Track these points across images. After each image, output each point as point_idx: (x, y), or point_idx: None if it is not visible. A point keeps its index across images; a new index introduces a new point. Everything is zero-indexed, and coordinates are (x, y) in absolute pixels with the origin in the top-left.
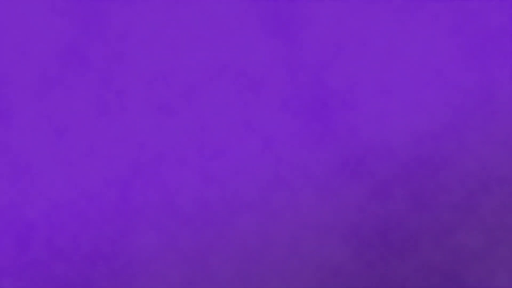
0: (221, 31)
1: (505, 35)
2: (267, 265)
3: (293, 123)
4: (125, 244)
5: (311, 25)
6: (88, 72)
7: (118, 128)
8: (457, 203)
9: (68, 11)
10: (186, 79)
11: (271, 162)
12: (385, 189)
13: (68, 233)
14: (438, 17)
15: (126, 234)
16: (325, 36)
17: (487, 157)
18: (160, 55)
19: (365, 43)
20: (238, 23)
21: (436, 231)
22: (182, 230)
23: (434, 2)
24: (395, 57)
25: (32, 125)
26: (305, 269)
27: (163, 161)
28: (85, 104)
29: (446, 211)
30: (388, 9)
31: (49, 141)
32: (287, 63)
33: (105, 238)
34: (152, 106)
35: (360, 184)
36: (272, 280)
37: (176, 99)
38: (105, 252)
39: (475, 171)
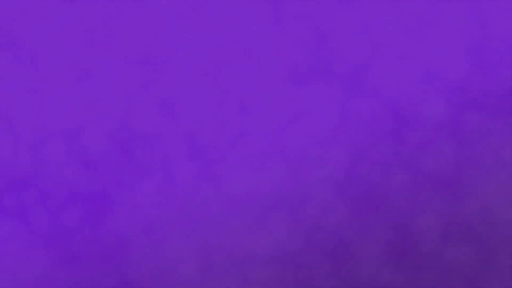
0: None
1: (506, 36)
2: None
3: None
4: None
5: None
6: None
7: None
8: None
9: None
10: (187, 77)
11: (280, 157)
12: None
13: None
14: (443, 16)
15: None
16: (326, 34)
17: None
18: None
19: (370, 42)
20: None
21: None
22: (183, 230)
23: (438, 2)
24: (399, 55)
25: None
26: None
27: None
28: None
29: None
30: (393, 8)
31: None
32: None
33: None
34: (154, 113)
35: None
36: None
37: (176, 96)
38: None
39: (473, 169)
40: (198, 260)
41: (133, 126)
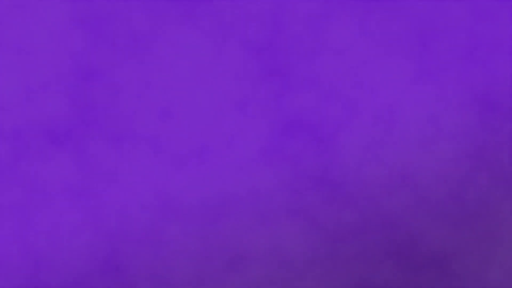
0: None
1: (506, 36)
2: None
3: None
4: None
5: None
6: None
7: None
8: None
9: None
10: (186, 77)
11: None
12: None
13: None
14: (443, 16)
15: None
16: (318, 34)
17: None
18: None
19: (368, 42)
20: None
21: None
22: (182, 232)
23: (435, 3)
24: (393, 57)
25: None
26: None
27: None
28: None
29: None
30: (393, 8)
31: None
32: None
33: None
34: (153, 113)
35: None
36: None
37: (176, 103)
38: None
39: (473, 169)
40: (198, 260)
41: (133, 126)
